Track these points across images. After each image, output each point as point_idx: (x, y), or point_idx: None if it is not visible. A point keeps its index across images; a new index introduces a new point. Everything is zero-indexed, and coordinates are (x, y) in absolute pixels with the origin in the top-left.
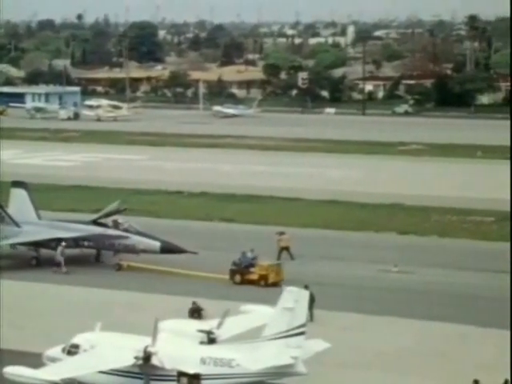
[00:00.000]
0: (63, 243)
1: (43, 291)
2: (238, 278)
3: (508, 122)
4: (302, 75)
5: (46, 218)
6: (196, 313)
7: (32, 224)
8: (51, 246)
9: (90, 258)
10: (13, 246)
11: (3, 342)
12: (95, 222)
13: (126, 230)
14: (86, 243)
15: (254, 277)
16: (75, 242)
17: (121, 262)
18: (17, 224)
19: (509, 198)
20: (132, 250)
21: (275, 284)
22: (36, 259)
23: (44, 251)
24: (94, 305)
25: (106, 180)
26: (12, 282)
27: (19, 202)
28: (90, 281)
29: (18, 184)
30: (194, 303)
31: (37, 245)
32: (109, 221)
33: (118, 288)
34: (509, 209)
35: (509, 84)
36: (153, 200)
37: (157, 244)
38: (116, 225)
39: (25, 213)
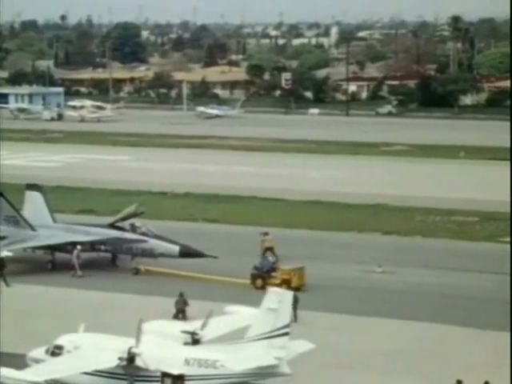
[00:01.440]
0: (79, 247)
1: (58, 295)
2: (259, 282)
3: (491, 123)
4: (286, 76)
5: (61, 222)
6: (182, 306)
7: (47, 227)
8: (67, 250)
9: (107, 262)
10: (27, 249)
11: (3, 344)
12: (112, 226)
13: (143, 234)
14: (102, 247)
15: (277, 281)
16: (92, 246)
17: (138, 266)
18: (32, 227)
19: (487, 198)
20: (150, 254)
21: (298, 288)
22: (52, 263)
23: (59, 255)
24: (109, 309)
25: (89, 181)
26: (27, 286)
27: (34, 205)
28: (105, 285)
29: (32, 187)
30: (180, 295)
31: (52, 248)
32: (126, 224)
33: (135, 292)
34: (492, 209)
35: (492, 85)
36: (136, 201)
37: (176, 248)
38: (134, 228)
39: (40, 216)
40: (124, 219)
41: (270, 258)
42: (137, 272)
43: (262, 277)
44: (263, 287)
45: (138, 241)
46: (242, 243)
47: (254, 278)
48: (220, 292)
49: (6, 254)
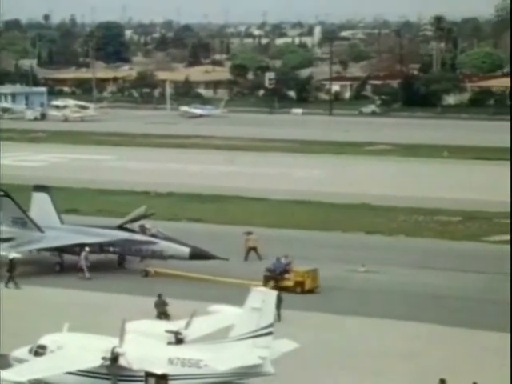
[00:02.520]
0: (87, 249)
1: (66, 297)
2: (272, 284)
3: (474, 122)
4: (269, 75)
5: (69, 223)
6: (161, 307)
7: (55, 229)
8: (75, 252)
9: (115, 264)
10: (33, 251)
11: (3, 347)
12: (121, 227)
13: (153, 236)
14: (111, 249)
15: (290, 283)
16: (100, 248)
17: (148, 268)
18: (40, 229)
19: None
20: (160, 255)
21: (311, 291)
22: (59, 265)
23: (67, 256)
24: (117, 311)
25: (72, 180)
26: (35, 288)
27: (41, 207)
28: (114, 287)
29: (39, 188)
30: (159, 296)
31: (60, 250)
32: (135, 226)
33: (143, 294)
34: (475, 209)
35: (475, 84)
36: (119, 200)
37: (186, 250)
38: (143, 230)
39: (47, 217)
40: (133, 221)
41: (283, 260)
42: (146, 274)
43: (275, 279)
44: (276, 289)
45: (147, 242)
46: (226, 243)
47: (266, 279)
48: (231, 294)
49: (14, 255)
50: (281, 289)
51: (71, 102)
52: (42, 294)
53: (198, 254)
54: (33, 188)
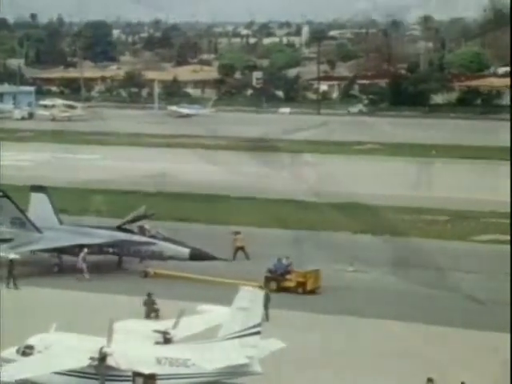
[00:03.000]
0: (85, 249)
1: (64, 298)
2: (273, 285)
3: (462, 122)
4: (257, 75)
5: (67, 223)
6: (150, 306)
7: (54, 229)
8: (74, 252)
9: (115, 264)
10: (32, 252)
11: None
12: (120, 228)
13: (152, 236)
14: (110, 250)
15: (291, 284)
16: (100, 249)
17: (147, 269)
18: (38, 230)
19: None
20: (159, 256)
21: (313, 291)
22: (58, 266)
23: (66, 257)
24: (114, 312)
25: (60, 180)
26: (33, 289)
27: (39, 207)
28: (113, 288)
29: (37, 188)
30: (149, 295)
31: (59, 251)
32: (134, 226)
33: (143, 295)
34: (463, 208)
35: (462, 84)
36: (106, 200)
37: (186, 251)
38: (142, 231)
39: (45, 218)
40: (133, 221)
41: (284, 261)
42: (145, 275)
43: (276, 279)
44: (277, 290)
45: (146, 243)
46: (214, 242)
47: (267, 280)
48: (231, 295)
49: (13, 256)
50: (282, 289)
51: (59, 101)
52: (40, 294)
53: (197, 255)
54: (30, 188)
